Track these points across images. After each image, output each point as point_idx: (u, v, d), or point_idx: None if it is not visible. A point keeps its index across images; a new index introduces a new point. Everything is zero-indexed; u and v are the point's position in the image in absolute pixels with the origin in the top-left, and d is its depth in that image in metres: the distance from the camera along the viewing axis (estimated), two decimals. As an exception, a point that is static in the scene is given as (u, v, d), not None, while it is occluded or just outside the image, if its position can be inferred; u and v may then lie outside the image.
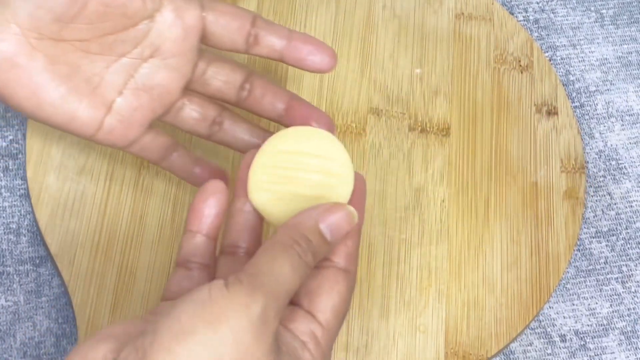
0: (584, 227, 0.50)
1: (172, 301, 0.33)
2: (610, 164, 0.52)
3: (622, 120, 0.53)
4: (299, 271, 0.33)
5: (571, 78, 0.54)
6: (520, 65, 0.52)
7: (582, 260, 0.49)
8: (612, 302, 0.48)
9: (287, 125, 0.41)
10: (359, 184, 0.38)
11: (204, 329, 0.29)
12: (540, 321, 0.47)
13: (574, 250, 0.48)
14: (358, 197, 0.38)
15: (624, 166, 0.52)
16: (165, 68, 0.40)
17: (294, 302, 0.35)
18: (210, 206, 0.36)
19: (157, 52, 0.40)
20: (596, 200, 0.51)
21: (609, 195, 0.51)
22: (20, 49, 0.37)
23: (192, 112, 0.42)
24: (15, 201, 0.48)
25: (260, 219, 0.38)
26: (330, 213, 0.35)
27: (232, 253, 0.37)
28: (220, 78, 0.42)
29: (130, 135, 0.40)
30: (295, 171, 0.37)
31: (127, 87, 0.40)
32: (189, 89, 0.42)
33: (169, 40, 0.39)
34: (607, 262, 0.49)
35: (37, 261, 0.46)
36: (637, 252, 0.49)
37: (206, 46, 0.41)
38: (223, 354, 0.29)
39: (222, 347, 0.29)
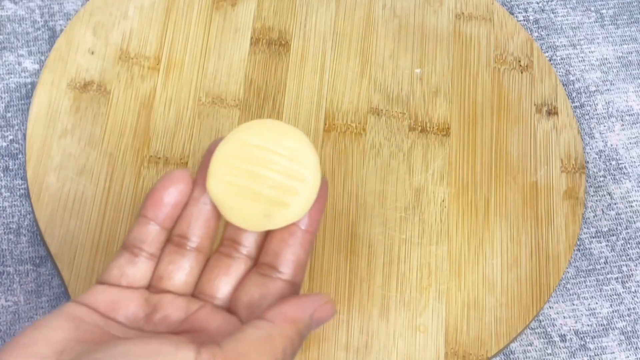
0: (584, 227, 0.50)
1: (128, 344, 0.30)
2: (610, 164, 0.52)
3: (622, 120, 0.53)
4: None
5: (571, 78, 0.54)
6: (520, 65, 0.52)
7: (582, 260, 0.49)
8: (612, 302, 0.48)
9: None
10: (322, 190, 0.36)
11: None
12: (540, 321, 0.47)
13: (574, 250, 0.48)
14: (319, 204, 0.36)
15: (624, 166, 0.52)
16: None
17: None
18: (169, 194, 0.35)
19: None
20: (596, 200, 0.51)
21: (609, 195, 0.51)
22: None
23: None
24: (15, 201, 0.48)
25: (217, 214, 0.36)
26: (325, 310, 0.33)
27: (179, 244, 0.36)
28: None
29: None
30: (259, 167, 0.35)
31: None
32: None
33: None
34: (607, 262, 0.49)
35: (37, 261, 0.46)
36: (637, 252, 0.49)
37: None
38: None
39: None
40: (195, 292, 0.36)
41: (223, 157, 0.35)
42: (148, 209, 0.35)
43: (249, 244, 0.36)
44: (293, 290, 0.35)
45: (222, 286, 0.35)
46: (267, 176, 0.35)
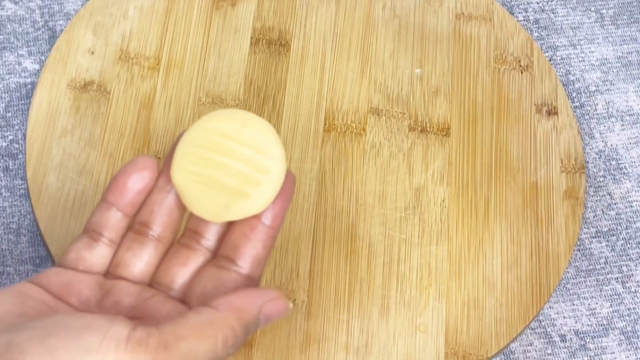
0: (584, 227, 0.50)
1: (64, 316, 0.30)
2: (610, 164, 0.52)
3: (622, 120, 0.53)
4: (217, 355, 0.30)
5: (571, 78, 0.54)
6: (521, 65, 0.52)
7: (582, 260, 0.49)
8: (612, 302, 0.48)
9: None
10: (288, 184, 0.35)
11: None
12: (540, 321, 0.47)
13: (574, 250, 0.48)
14: (283, 198, 0.35)
15: (624, 166, 0.52)
16: None
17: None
18: (133, 180, 0.34)
19: None
20: (596, 200, 0.51)
21: (609, 195, 0.51)
22: None
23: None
24: (15, 201, 0.48)
25: (181, 204, 0.35)
26: (275, 305, 0.32)
27: (140, 232, 0.35)
28: None
29: None
30: (223, 156, 0.34)
31: None
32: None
33: None
34: (607, 262, 0.49)
35: (37, 261, 0.46)
36: (637, 252, 0.49)
37: None
38: None
39: None
40: (152, 282, 0.35)
41: (187, 145, 0.34)
42: (110, 194, 0.34)
43: (210, 236, 0.35)
44: (250, 284, 0.34)
45: (178, 277, 0.34)
46: (229, 165, 0.34)
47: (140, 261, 0.35)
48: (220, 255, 0.35)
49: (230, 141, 0.34)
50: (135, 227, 0.35)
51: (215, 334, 0.30)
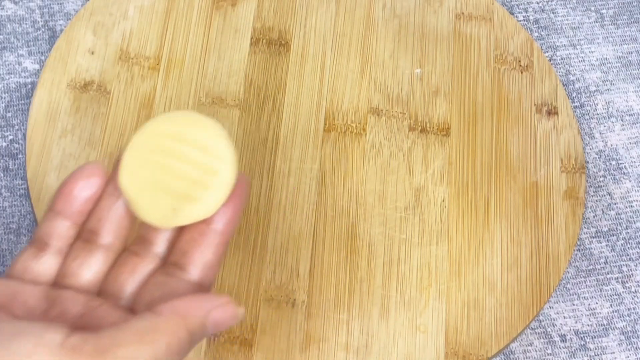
0: (584, 227, 0.50)
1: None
2: (610, 164, 0.52)
3: (622, 120, 0.53)
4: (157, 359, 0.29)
5: (571, 78, 0.54)
6: (521, 65, 0.52)
7: (582, 260, 0.49)
8: (612, 302, 0.48)
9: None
10: (239, 187, 0.33)
11: None
12: (540, 321, 0.47)
13: (574, 250, 0.48)
14: (235, 202, 0.33)
15: (624, 166, 0.52)
16: None
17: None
18: (80, 188, 0.32)
19: None
20: (596, 200, 0.51)
21: (609, 195, 0.51)
22: None
23: None
24: (15, 201, 0.48)
25: (131, 211, 0.34)
26: (223, 311, 0.31)
27: (88, 240, 0.34)
28: None
29: None
30: (170, 159, 0.32)
31: None
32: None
33: None
34: (607, 262, 0.49)
35: None
36: (637, 252, 0.49)
37: None
38: None
39: None
40: (101, 291, 0.34)
41: (135, 148, 0.33)
42: (57, 202, 0.33)
43: (160, 243, 0.34)
44: (200, 292, 0.33)
45: (127, 285, 0.33)
46: (177, 169, 0.32)
47: (88, 270, 0.33)
48: (169, 262, 0.34)
49: (178, 144, 0.32)
50: (84, 235, 0.34)
51: (157, 339, 0.29)
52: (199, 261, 0.33)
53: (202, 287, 0.33)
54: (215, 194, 0.32)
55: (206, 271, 0.33)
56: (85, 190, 0.33)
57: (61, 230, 0.33)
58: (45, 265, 0.33)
